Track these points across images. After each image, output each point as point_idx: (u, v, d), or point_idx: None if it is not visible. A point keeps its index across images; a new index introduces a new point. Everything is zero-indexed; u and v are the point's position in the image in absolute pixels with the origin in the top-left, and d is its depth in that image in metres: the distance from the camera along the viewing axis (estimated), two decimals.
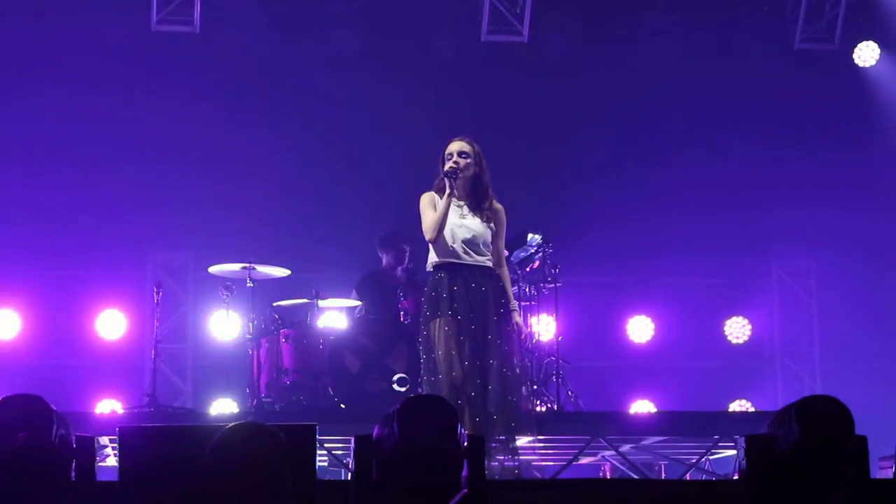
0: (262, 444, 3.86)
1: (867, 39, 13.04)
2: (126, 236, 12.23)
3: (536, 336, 10.97)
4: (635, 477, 9.68)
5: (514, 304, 7.79)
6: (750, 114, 13.04)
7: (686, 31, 13.08)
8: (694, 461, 9.93)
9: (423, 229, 7.68)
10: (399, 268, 10.92)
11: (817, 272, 13.27)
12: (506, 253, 7.96)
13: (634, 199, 12.75)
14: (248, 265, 10.63)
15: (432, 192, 7.72)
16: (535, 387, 10.52)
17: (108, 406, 11.75)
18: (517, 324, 7.68)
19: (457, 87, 12.77)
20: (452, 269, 7.62)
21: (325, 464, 9.46)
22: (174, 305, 12.36)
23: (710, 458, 10.05)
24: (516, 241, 10.45)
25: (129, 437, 4.97)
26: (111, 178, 12.18)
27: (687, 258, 12.80)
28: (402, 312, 10.44)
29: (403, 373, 10.09)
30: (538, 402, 10.46)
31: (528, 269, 10.94)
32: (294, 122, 12.53)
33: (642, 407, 12.49)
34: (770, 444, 4.88)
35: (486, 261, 7.66)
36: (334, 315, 11.07)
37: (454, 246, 7.62)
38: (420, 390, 8.52)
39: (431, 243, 7.69)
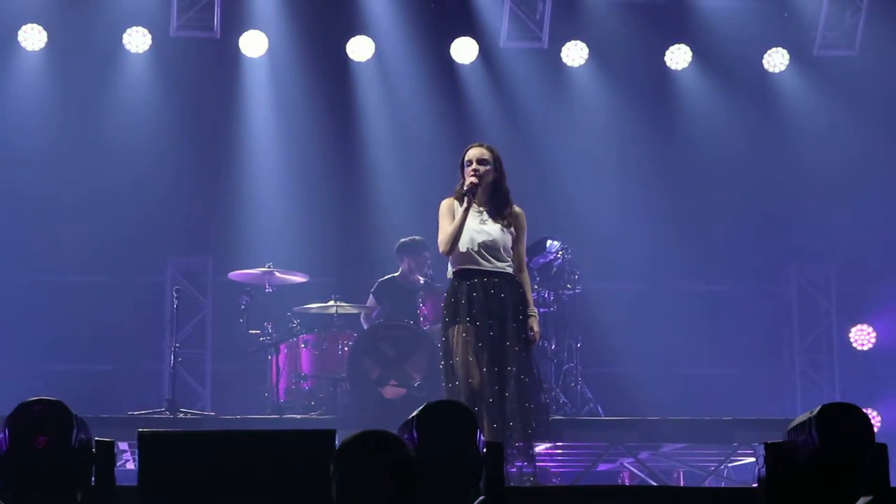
0: (398, 456, 3.78)
1: (889, 45, 12.97)
2: (146, 242, 12.25)
3: (555, 342, 10.96)
4: (654, 484, 9.67)
5: (533, 310, 7.76)
6: (769, 118, 13.00)
7: (703, 34, 13.04)
8: (713, 468, 9.91)
9: (438, 241, 7.67)
10: (418, 274, 10.92)
11: (837, 279, 13.22)
12: (526, 259, 7.95)
13: (654, 204, 12.73)
14: (267, 270, 10.65)
15: (452, 199, 7.71)
16: (553, 393, 10.52)
17: (128, 411, 11.76)
18: (535, 331, 7.66)
19: (476, 94, 12.76)
20: (472, 275, 7.61)
21: None
22: (193, 311, 12.36)
23: (729, 465, 10.03)
24: (536, 248, 10.44)
25: (149, 442, 4.99)
26: (130, 183, 12.20)
27: (706, 264, 12.77)
28: (421, 318, 10.44)
29: (422, 379, 10.10)
30: (556, 409, 10.46)
31: (547, 276, 10.94)
32: (313, 128, 12.54)
33: (661, 414, 12.45)
34: (789, 451, 4.87)
35: (506, 266, 7.65)
36: (353, 321, 11.08)
37: (474, 252, 7.61)
38: (439, 396, 8.51)
39: (446, 255, 7.69)
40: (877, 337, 12.97)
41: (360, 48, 12.75)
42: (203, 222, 12.34)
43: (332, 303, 10.66)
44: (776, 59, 13.03)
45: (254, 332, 10.88)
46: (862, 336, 13.13)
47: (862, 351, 13.11)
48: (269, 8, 12.58)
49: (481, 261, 7.61)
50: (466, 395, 7.37)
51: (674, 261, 12.72)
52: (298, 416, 10.15)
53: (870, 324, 13.02)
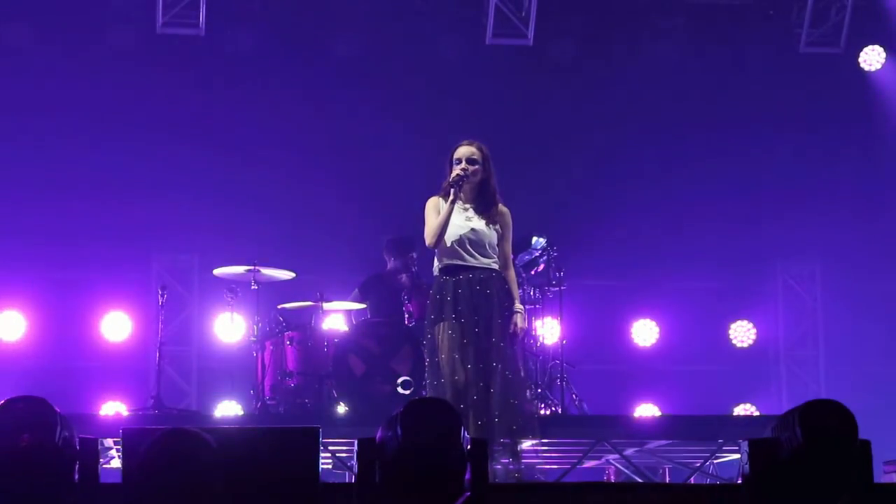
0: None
1: (873, 43, 13.03)
2: (131, 238, 12.23)
3: (541, 339, 10.97)
4: (639, 480, 9.68)
5: (520, 306, 7.76)
6: (755, 117, 13.02)
7: (690, 34, 13.06)
8: (698, 465, 9.93)
9: (425, 234, 7.67)
10: (403, 272, 10.92)
11: (822, 276, 13.26)
12: (511, 256, 7.95)
13: (639, 202, 12.74)
14: (252, 267, 10.64)
15: (438, 198, 7.70)
16: (539, 390, 10.53)
17: (113, 408, 11.76)
18: (518, 326, 7.65)
19: (462, 91, 12.75)
20: (458, 271, 7.60)
21: (329, 466, 9.47)
22: (179, 308, 12.37)
23: (715, 461, 10.05)
24: (521, 245, 10.45)
25: (133, 439, 4.98)
26: (116, 180, 12.18)
27: (692, 261, 12.79)
28: (406, 315, 10.44)
29: (407, 376, 10.09)
30: (542, 406, 10.47)
31: (532, 273, 10.94)
32: (298, 125, 12.52)
33: (647, 410, 12.48)
34: (773, 448, 4.88)
35: (492, 263, 7.65)
36: (338, 318, 11.07)
37: (460, 248, 7.61)
38: (424, 393, 8.51)
39: (432, 248, 7.69)
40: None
41: (347, 44, 12.75)
42: (189, 219, 12.31)
43: (317, 300, 10.64)
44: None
45: (240, 329, 10.87)
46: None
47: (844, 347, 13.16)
48: (254, 5, 12.57)
49: (467, 257, 7.61)
50: (451, 393, 7.36)
51: (660, 257, 12.74)
52: (283, 413, 10.13)
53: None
